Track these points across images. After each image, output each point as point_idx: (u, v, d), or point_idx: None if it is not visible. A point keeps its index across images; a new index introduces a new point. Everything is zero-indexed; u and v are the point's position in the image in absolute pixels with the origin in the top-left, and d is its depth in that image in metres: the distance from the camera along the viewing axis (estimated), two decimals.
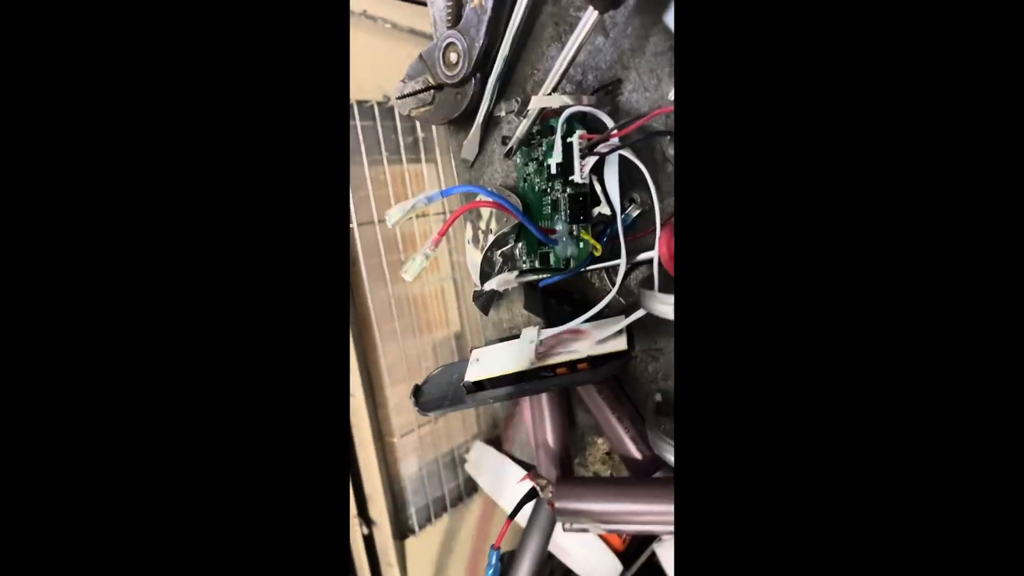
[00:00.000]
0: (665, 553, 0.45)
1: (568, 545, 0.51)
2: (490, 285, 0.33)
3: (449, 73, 0.34)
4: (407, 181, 0.80)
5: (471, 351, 0.37)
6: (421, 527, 0.80)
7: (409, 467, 0.80)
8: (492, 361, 0.35)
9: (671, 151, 0.29)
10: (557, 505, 0.31)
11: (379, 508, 0.77)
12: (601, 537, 0.49)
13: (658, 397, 0.34)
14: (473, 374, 0.34)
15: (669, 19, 0.25)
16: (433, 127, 0.79)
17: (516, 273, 0.33)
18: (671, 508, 0.30)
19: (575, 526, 0.32)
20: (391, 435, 0.78)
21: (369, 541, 0.77)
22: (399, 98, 0.38)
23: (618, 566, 0.49)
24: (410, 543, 0.80)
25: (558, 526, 0.43)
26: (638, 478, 0.33)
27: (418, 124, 0.77)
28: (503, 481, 0.64)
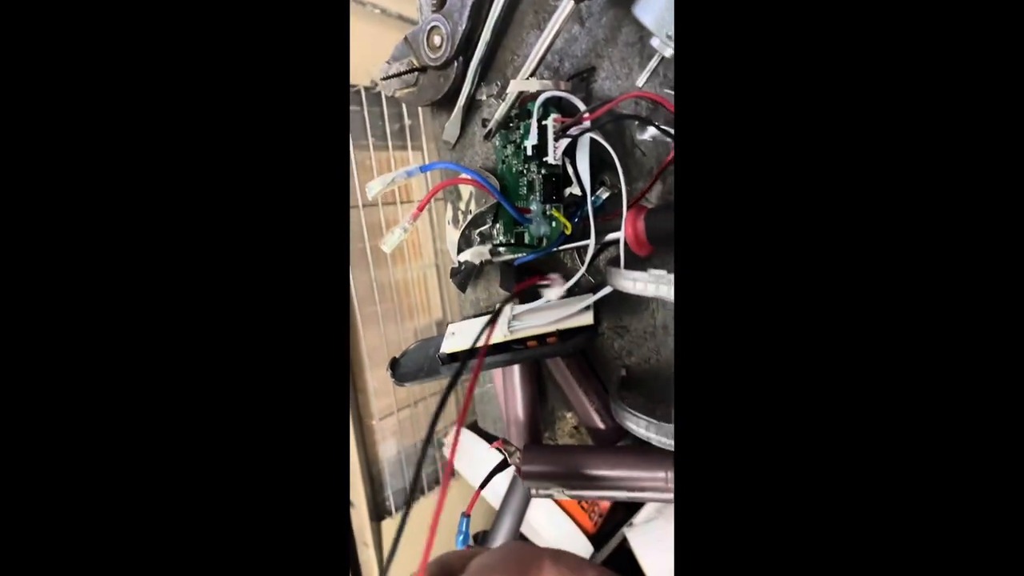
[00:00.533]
0: (635, 537, 0.46)
1: (540, 525, 0.52)
2: (464, 256, 0.35)
3: (433, 56, 0.36)
4: (393, 167, 0.80)
5: (447, 326, 0.38)
6: (398, 509, 0.82)
7: (388, 450, 0.81)
8: (467, 334, 0.36)
9: (639, 136, 0.31)
10: (524, 469, 0.32)
11: (356, 489, 0.78)
12: (573, 519, 0.51)
13: (623, 372, 0.36)
14: (448, 346, 0.36)
15: (637, 10, 0.26)
16: (420, 114, 0.80)
17: (489, 246, 0.35)
18: (632, 474, 0.32)
19: (542, 492, 0.34)
20: (370, 417, 0.79)
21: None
22: (384, 79, 0.39)
23: (589, 547, 0.51)
24: (387, 524, 0.81)
25: (531, 508, 0.44)
26: (602, 445, 0.35)
27: (405, 111, 0.78)
28: (480, 464, 0.66)
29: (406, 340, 0.84)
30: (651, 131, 0.30)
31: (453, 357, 0.35)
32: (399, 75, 0.38)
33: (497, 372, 0.40)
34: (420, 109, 0.79)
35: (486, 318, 0.36)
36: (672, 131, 0.28)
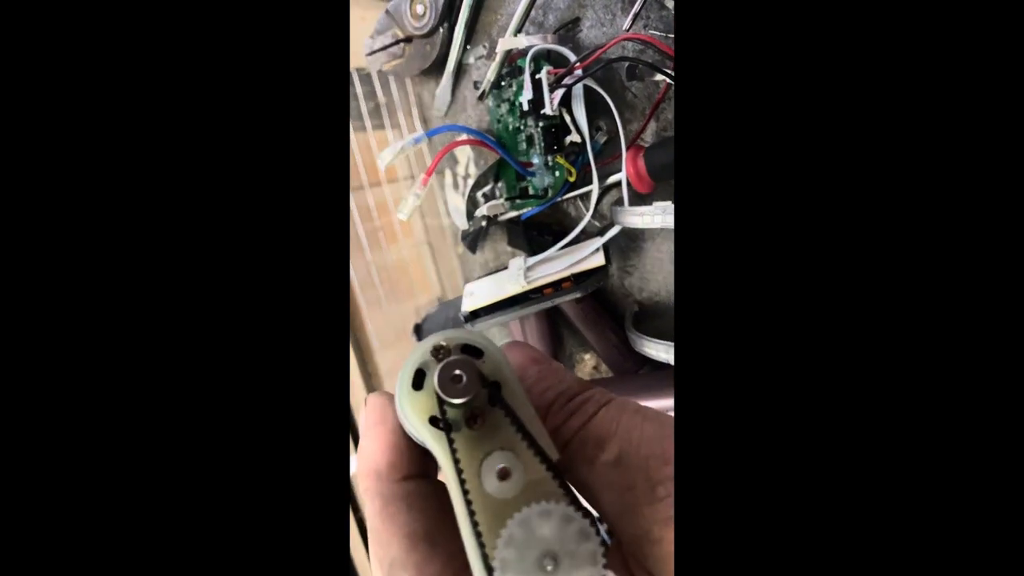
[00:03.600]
0: None
1: None
2: (482, 211, 0.36)
3: (417, 25, 0.36)
4: (374, 149, 0.80)
5: (464, 286, 0.40)
6: None
7: None
8: (485, 291, 0.38)
9: (629, 79, 0.33)
10: None
11: None
12: None
13: (636, 308, 0.38)
14: (469, 305, 0.38)
15: None
16: (394, 91, 0.79)
17: (502, 199, 0.36)
18: (654, 395, 0.35)
19: None
20: None
21: None
22: (369, 54, 0.39)
23: None
24: None
25: None
26: (624, 376, 0.38)
27: (379, 89, 0.77)
28: None
29: (410, 320, 0.86)
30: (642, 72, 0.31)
31: (475, 314, 0.37)
32: (384, 48, 0.39)
33: (515, 324, 0.42)
34: (394, 86, 0.78)
35: (501, 274, 0.38)
36: (665, 69, 0.30)
